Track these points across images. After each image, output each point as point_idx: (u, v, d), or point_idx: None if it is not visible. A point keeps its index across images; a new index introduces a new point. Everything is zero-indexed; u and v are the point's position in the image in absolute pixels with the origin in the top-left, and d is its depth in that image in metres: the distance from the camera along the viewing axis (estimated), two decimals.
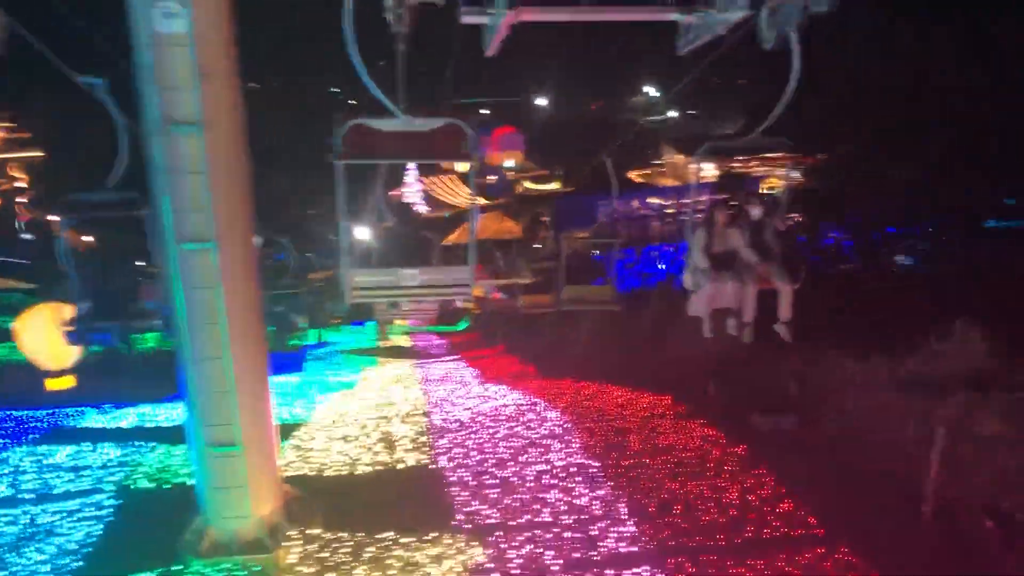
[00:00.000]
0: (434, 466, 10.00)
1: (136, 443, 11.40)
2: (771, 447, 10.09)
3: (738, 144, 8.11)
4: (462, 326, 38.39)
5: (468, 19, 6.66)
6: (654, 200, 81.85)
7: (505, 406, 13.11)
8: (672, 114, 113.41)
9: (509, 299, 27.16)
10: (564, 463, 9.78)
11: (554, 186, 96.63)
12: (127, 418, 13.51)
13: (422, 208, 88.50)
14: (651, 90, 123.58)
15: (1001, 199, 30.73)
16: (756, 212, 8.90)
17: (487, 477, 9.48)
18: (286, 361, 24.29)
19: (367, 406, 14.41)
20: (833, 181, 33.69)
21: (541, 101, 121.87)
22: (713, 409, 11.97)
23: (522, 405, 13.10)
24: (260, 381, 7.41)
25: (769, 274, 8.59)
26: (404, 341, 32.88)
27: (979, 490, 8.26)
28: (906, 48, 29.12)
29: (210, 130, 6.25)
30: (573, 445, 10.41)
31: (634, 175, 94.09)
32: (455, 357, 25.84)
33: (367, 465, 10.16)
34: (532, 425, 11.44)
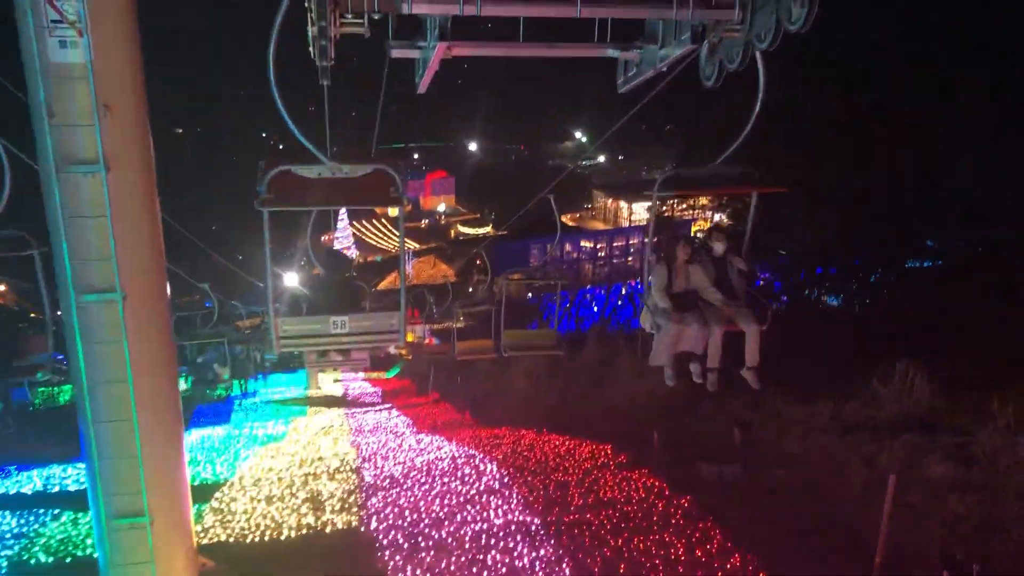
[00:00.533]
0: (365, 528, 9.36)
1: (38, 510, 10.40)
2: (717, 497, 9.76)
3: (700, 173, 7.55)
4: (394, 372, 37.58)
5: (397, 53, 6.31)
6: (586, 243, 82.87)
7: (440, 459, 12.52)
8: (601, 159, 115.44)
9: (444, 345, 26.66)
10: (503, 521, 9.25)
11: (487, 230, 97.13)
12: (31, 482, 12.48)
13: (353, 253, 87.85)
14: (581, 135, 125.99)
15: (923, 240, 31.52)
16: (720, 247, 8.33)
17: (422, 539, 8.89)
18: (211, 412, 23.28)
19: (295, 461, 13.65)
20: (765, 221, 34.04)
21: (473, 145, 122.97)
22: (656, 458, 11.62)
23: (458, 458, 12.54)
24: (173, 444, 6.77)
25: (735, 315, 8.02)
26: (335, 389, 31.97)
27: (932, 538, 8.04)
28: (829, 92, 29.83)
29: (114, 170, 5.70)
30: (512, 501, 9.89)
31: (566, 219, 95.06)
32: (387, 406, 25.13)
33: (293, 529, 9.46)
34: (469, 480, 10.89)
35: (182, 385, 24.38)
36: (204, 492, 11.23)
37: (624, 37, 6.79)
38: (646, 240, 8.77)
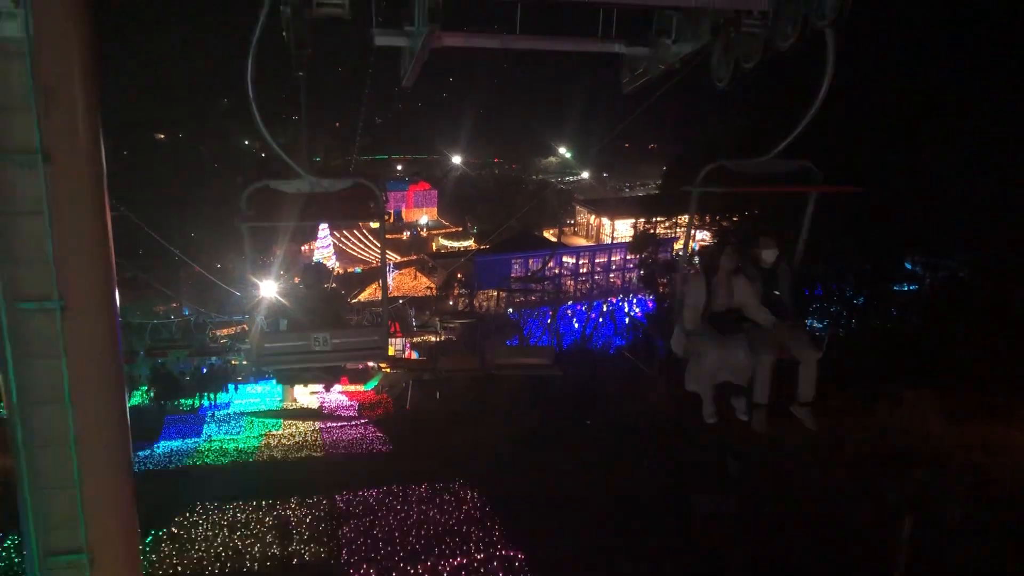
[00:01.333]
0: (334, 561, 8.63)
1: None
2: (714, 531, 9.11)
3: (750, 168, 6.36)
4: (371, 385, 36.75)
5: (382, 41, 5.66)
6: (568, 259, 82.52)
7: (417, 483, 11.79)
8: (585, 175, 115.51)
9: (426, 360, 25.94)
10: (484, 555, 8.56)
11: (469, 243, 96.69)
12: None
13: (333, 263, 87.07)
14: (565, 151, 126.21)
15: (902, 264, 31.17)
16: (770, 256, 7.09)
17: (396, 575, 8.19)
18: (181, 424, 22.45)
19: (263, 482, 12.88)
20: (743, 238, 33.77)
21: (457, 159, 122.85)
22: (648, 487, 10.97)
23: (436, 482, 11.82)
24: (119, 471, 6.02)
25: (787, 340, 6.74)
26: (311, 401, 31.15)
27: None
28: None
29: (55, 162, 4.99)
30: (494, 532, 9.20)
31: (548, 234, 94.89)
32: (363, 421, 24.37)
33: (256, 560, 8.71)
34: (447, 508, 10.18)
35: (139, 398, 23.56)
36: (164, 515, 10.47)
37: (631, 32, 6.19)
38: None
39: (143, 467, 15.52)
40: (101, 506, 5.74)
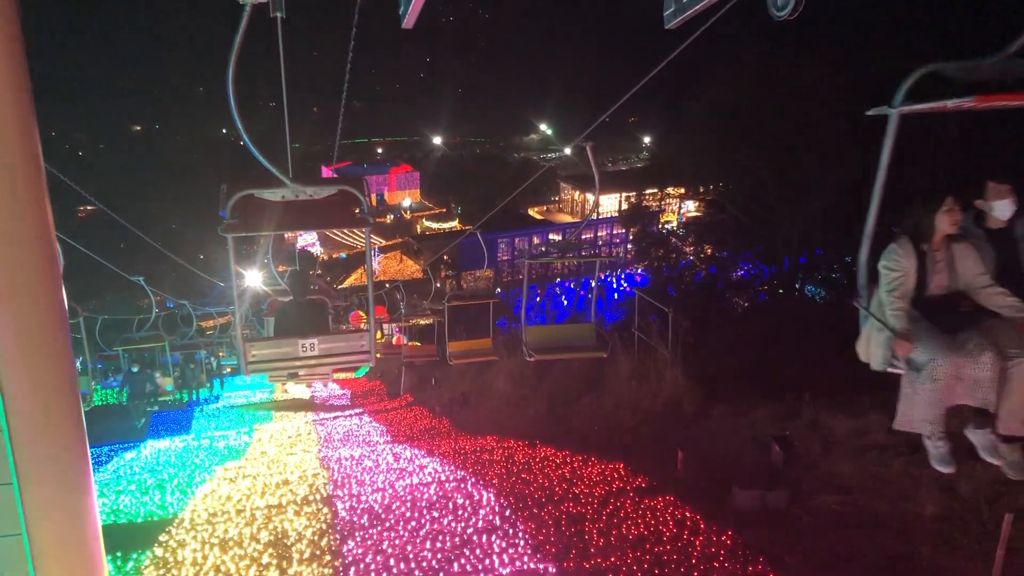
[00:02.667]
0: None
1: None
2: (762, 531, 8.13)
3: (976, 72, 4.32)
4: (362, 372, 35.81)
5: None
6: (555, 236, 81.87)
7: (425, 484, 10.76)
8: (567, 151, 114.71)
9: (426, 346, 24.94)
10: (510, 571, 7.53)
11: (453, 224, 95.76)
12: None
13: (317, 250, 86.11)
14: (545, 127, 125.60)
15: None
16: (1005, 210, 5.21)
17: None
18: (169, 421, 21.38)
19: (256, 487, 11.82)
20: (739, 209, 32.99)
21: (437, 139, 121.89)
22: (679, 481, 9.99)
23: (445, 482, 10.80)
24: (75, 509, 4.93)
25: None
26: (302, 391, 30.14)
27: None
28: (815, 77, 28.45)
29: None
30: (519, 542, 8.16)
31: (532, 212, 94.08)
32: (358, 410, 23.39)
33: None
34: (463, 515, 9.12)
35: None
36: (148, 533, 9.39)
37: None
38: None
39: (128, 470, 14.47)
40: (56, 553, 4.67)
